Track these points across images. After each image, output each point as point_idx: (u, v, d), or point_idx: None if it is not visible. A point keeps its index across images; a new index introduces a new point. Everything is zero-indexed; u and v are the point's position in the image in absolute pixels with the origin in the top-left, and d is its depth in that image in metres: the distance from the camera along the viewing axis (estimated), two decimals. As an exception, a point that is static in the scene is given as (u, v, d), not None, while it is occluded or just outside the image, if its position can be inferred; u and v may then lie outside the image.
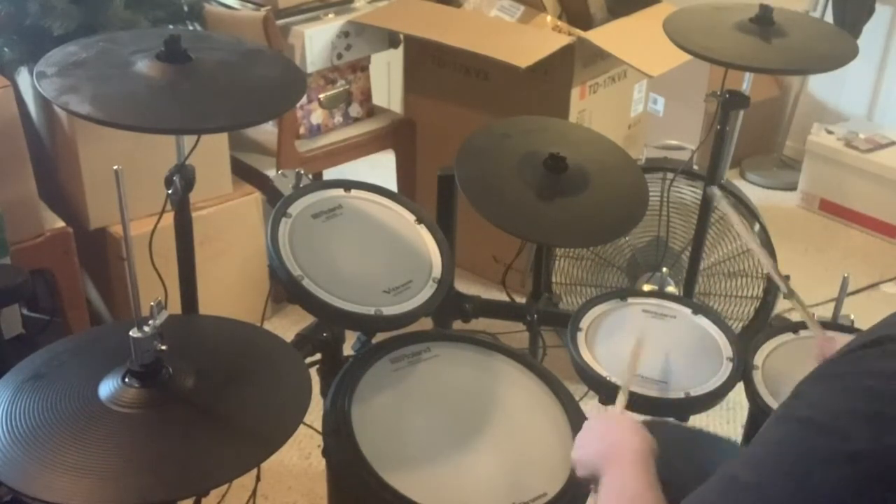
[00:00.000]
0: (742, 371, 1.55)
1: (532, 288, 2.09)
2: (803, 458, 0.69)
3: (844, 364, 0.72)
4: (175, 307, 1.55)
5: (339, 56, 2.60)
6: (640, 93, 2.86)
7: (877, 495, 0.64)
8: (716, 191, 1.89)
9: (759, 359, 1.58)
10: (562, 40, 2.43)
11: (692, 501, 0.78)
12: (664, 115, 3.55)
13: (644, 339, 1.52)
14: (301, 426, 1.17)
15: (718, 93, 1.97)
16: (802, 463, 0.69)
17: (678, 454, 1.32)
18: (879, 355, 0.71)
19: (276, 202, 1.55)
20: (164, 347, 1.16)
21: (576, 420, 1.44)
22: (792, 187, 3.57)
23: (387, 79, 3.39)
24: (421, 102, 2.82)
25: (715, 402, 1.53)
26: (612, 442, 1.10)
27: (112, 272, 2.31)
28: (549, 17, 2.62)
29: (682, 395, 1.50)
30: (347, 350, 1.66)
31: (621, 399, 1.39)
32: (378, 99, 2.91)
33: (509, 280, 2.05)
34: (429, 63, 2.74)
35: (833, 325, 1.67)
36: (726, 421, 2.37)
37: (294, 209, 1.55)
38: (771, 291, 2.40)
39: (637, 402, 1.51)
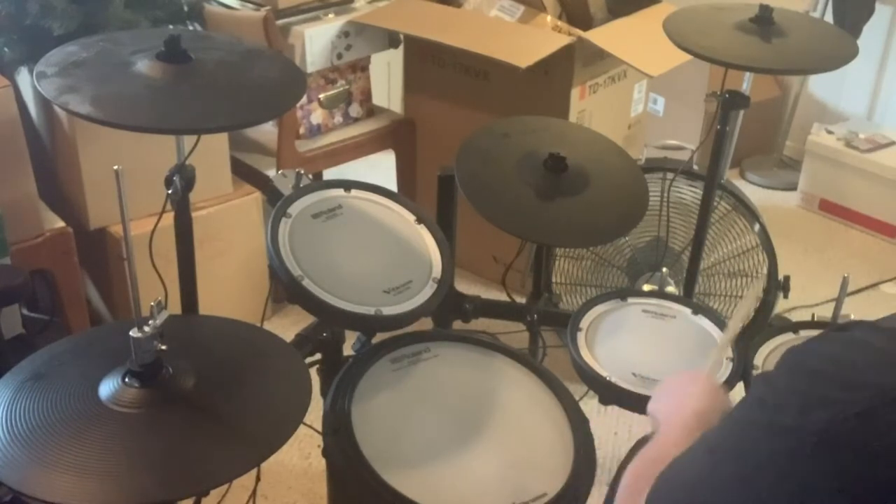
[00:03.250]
0: (742, 371, 1.55)
1: (532, 288, 2.09)
2: (748, 428, 0.72)
3: (808, 343, 0.75)
4: (175, 307, 1.55)
5: (339, 56, 2.60)
6: (640, 93, 2.86)
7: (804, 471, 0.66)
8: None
9: (759, 359, 1.58)
10: (562, 40, 2.43)
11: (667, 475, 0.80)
12: (664, 115, 3.55)
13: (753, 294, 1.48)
14: (301, 426, 1.17)
15: (718, 93, 1.97)
16: (748, 434, 0.71)
17: None
18: (832, 339, 0.74)
19: (276, 202, 1.55)
20: (164, 347, 1.16)
21: (576, 420, 1.44)
22: (792, 187, 3.57)
23: (387, 79, 3.39)
24: (421, 102, 2.82)
25: (715, 402, 1.53)
26: (678, 402, 1.10)
27: (112, 272, 2.31)
28: (549, 17, 2.62)
29: (682, 395, 1.50)
30: (347, 350, 1.66)
31: (714, 356, 1.36)
32: (378, 99, 2.91)
33: (509, 280, 2.05)
34: (429, 63, 2.74)
35: (833, 325, 1.67)
36: (726, 421, 2.37)
37: (294, 209, 1.55)
38: (771, 291, 2.40)
39: (637, 403, 1.52)
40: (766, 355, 1.59)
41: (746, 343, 1.64)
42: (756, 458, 0.69)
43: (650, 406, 1.15)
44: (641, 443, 1.44)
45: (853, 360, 0.69)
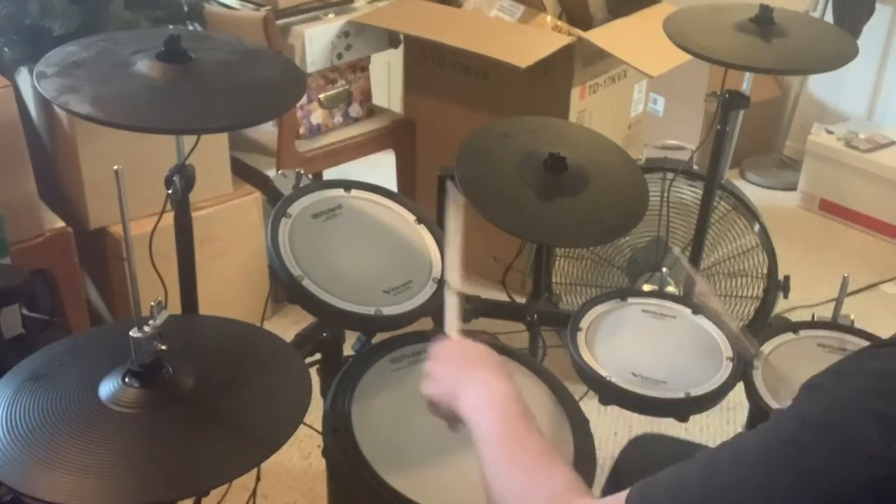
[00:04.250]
0: (742, 371, 1.55)
1: (532, 288, 2.09)
2: (806, 454, 0.69)
3: (855, 361, 0.73)
4: (175, 307, 1.55)
5: (339, 56, 2.60)
6: (640, 93, 2.86)
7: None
8: (675, 251, 1.90)
9: (758, 359, 1.58)
10: (562, 40, 2.43)
11: (667, 479, 0.77)
12: (664, 115, 3.55)
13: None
14: (301, 426, 1.17)
15: (718, 93, 1.97)
16: (803, 459, 0.68)
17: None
18: (883, 356, 0.71)
19: (276, 202, 1.55)
20: (164, 347, 1.16)
21: (576, 420, 1.44)
22: (792, 187, 3.57)
23: (387, 79, 3.39)
24: (421, 102, 2.82)
25: (715, 402, 1.53)
26: (482, 384, 1.02)
27: (112, 272, 2.31)
28: (549, 17, 2.62)
29: (682, 395, 1.50)
30: (347, 350, 1.66)
31: (452, 320, 1.26)
32: (378, 99, 2.91)
33: (509, 280, 2.05)
34: (429, 63, 2.74)
35: (833, 325, 1.67)
36: (726, 421, 2.37)
37: (294, 209, 1.54)
38: (771, 291, 2.40)
39: (637, 403, 1.52)
40: (767, 355, 1.59)
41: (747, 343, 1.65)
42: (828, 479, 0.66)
43: (434, 391, 1.08)
44: (638, 441, 1.44)
45: None
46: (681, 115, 3.46)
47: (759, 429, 0.74)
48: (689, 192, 2.38)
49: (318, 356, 1.65)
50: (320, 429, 1.37)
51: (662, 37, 1.86)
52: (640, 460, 1.38)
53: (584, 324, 1.63)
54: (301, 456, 2.21)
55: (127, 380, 1.16)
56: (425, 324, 1.58)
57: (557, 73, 2.49)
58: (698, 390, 1.51)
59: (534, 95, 2.54)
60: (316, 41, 2.52)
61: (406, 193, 2.48)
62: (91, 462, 1.05)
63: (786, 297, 2.38)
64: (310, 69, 2.54)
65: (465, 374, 1.05)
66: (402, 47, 2.80)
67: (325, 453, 1.38)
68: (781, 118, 3.72)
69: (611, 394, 1.51)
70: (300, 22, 2.54)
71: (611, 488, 1.35)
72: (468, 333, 1.18)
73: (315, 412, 1.28)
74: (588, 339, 1.60)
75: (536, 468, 0.88)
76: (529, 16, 2.64)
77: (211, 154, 2.30)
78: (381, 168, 3.00)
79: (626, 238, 2.41)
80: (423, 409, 1.42)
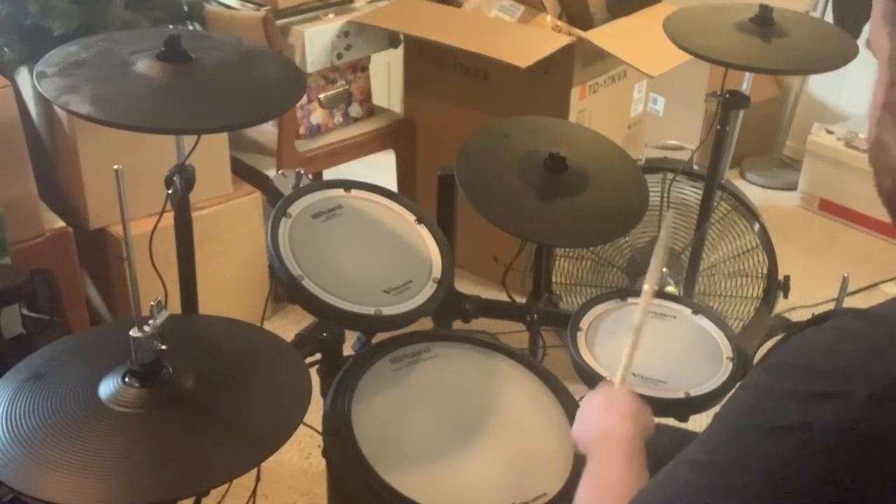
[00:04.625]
0: (742, 371, 1.55)
1: (532, 288, 2.08)
2: (744, 428, 0.71)
3: (789, 341, 0.75)
4: (175, 307, 1.55)
5: (339, 56, 2.60)
6: (640, 93, 2.86)
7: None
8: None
9: (758, 359, 1.58)
10: (562, 40, 2.43)
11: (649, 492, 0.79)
12: (664, 115, 3.55)
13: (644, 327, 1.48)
14: (301, 426, 1.17)
15: (718, 93, 1.97)
16: (745, 433, 0.71)
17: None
18: (816, 333, 0.73)
19: (276, 202, 1.55)
20: (164, 347, 1.16)
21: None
22: (792, 187, 3.57)
23: (387, 79, 3.39)
24: (421, 102, 2.82)
25: (715, 402, 1.53)
26: (606, 426, 1.12)
27: (112, 272, 2.31)
28: (549, 17, 2.62)
29: (682, 395, 1.50)
30: (347, 350, 1.66)
31: (620, 372, 1.35)
32: (378, 99, 2.91)
33: (509, 280, 2.05)
34: (429, 63, 2.74)
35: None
36: (726, 421, 2.37)
37: (294, 209, 1.54)
38: (771, 291, 2.40)
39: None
40: (766, 355, 1.59)
41: (746, 343, 1.65)
42: (759, 463, 0.68)
43: (576, 434, 1.18)
44: None
45: (845, 349, 0.69)
46: (681, 115, 3.46)
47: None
48: (689, 193, 2.38)
49: (318, 356, 1.65)
50: (320, 429, 1.38)
51: (662, 37, 1.87)
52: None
53: (584, 324, 1.63)
54: (301, 456, 2.21)
55: (127, 380, 1.16)
56: (425, 324, 1.58)
57: (557, 73, 2.49)
58: (698, 390, 1.51)
59: (534, 95, 2.54)
60: (316, 41, 2.52)
61: (406, 193, 2.48)
62: (91, 462, 1.05)
63: (786, 297, 2.38)
64: (310, 69, 2.54)
65: (594, 445, 1.11)
66: (402, 47, 2.81)
67: (325, 453, 1.38)
68: (781, 118, 3.72)
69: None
70: (300, 22, 2.54)
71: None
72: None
73: (315, 412, 1.28)
74: (588, 339, 1.60)
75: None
76: (529, 16, 2.64)
77: (211, 154, 2.30)
78: (381, 168, 3.00)
79: (626, 238, 2.41)
80: (422, 410, 1.43)
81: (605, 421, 1.15)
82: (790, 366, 0.72)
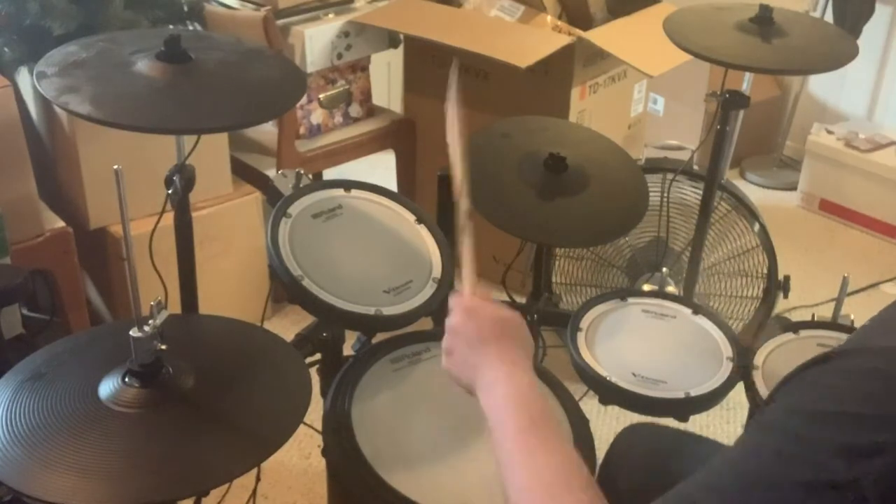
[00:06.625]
0: (742, 372, 1.55)
1: (532, 288, 2.08)
2: (776, 482, 0.67)
3: (812, 382, 0.70)
4: (175, 307, 1.55)
5: (339, 56, 2.60)
6: (640, 93, 2.86)
7: None
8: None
9: (759, 359, 1.58)
10: (562, 40, 2.42)
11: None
12: (664, 115, 3.55)
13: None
14: (301, 426, 1.17)
15: (718, 93, 1.97)
16: (777, 488, 0.66)
17: (670, 456, 1.31)
18: (835, 372, 0.69)
19: (276, 202, 1.55)
20: (164, 347, 1.16)
21: (576, 420, 1.44)
22: (792, 187, 3.57)
23: (387, 79, 3.39)
24: (421, 102, 2.82)
25: (715, 402, 1.53)
26: (481, 364, 0.97)
27: (112, 272, 2.31)
28: (549, 17, 2.62)
29: (682, 395, 1.50)
30: (347, 350, 1.66)
31: (467, 277, 1.11)
32: (378, 99, 2.91)
33: (509, 280, 2.05)
34: (429, 63, 2.74)
35: (833, 325, 1.67)
36: (726, 421, 2.37)
37: (294, 209, 1.54)
38: (771, 291, 2.40)
39: (637, 403, 1.52)
40: (766, 355, 1.59)
41: (747, 343, 1.65)
42: None
43: (445, 365, 1.03)
44: (630, 430, 1.44)
45: (877, 393, 0.65)
46: (681, 115, 3.46)
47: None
48: (689, 193, 2.38)
49: (318, 356, 1.65)
50: (320, 429, 1.38)
51: (662, 37, 1.86)
52: (630, 449, 1.39)
53: (584, 324, 1.63)
54: (301, 456, 2.21)
55: (127, 380, 1.16)
56: (425, 324, 1.58)
57: (557, 73, 2.49)
58: (698, 390, 1.51)
59: (534, 95, 2.54)
60: (316, 41, 2.52)
61: (406, 193, 2.48)
62: (91, 462, 1.05)
63: (786, 297, 2.38)
64: (310, 69, 2.54)
65: (480, 358, 0.97)
66: (402, 47, 2.80)
67: (325, 453, 1.38)
68: (781, 118, 3.72)
69: (611, 394, 1.52)
70: (300, 22, 2.54)
71: (602, 478, 1.35)
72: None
73: (315, 412, 1.28)
74: (588, 339, 1.60)
75: (558, 485, 0.84)
76: (529, 16, 2.64)
77: (211, 154, 2.30)
78: (381, 168, 3.00)
79: (626, 238, 2.41)
80: (423, 409, 1.43)
81: (492, 364, 0.97)
82: (824, 414, 0.67)
